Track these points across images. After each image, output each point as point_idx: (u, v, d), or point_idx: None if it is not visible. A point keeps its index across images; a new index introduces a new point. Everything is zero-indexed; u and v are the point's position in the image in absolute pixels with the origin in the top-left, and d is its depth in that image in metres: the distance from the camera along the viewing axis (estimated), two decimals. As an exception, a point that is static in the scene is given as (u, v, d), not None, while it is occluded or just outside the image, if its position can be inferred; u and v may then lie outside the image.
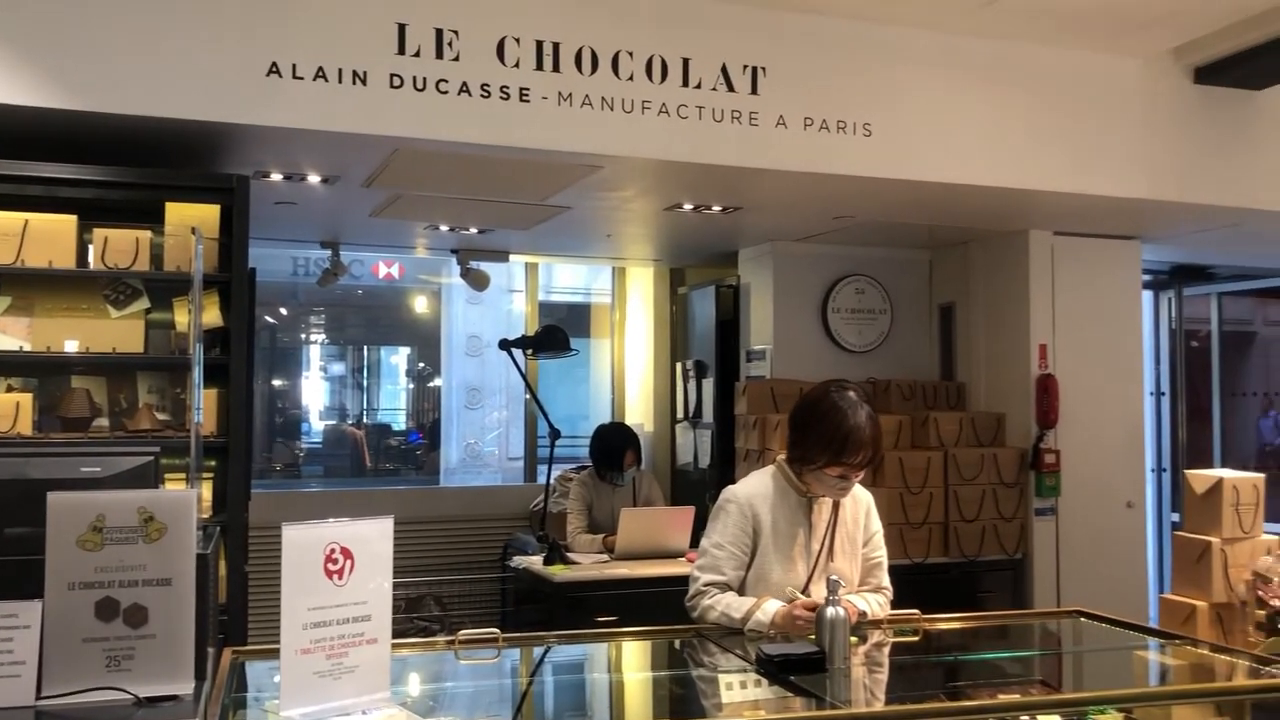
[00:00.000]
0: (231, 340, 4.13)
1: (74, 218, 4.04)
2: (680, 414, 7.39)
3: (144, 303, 4.18)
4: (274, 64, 3.90)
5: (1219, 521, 4.10)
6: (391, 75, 4.03)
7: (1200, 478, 4.26)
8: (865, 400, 2.99)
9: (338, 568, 2.04)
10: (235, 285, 4.12)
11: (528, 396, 7.03)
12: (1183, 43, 5.02)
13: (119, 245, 4.07)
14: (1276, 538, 4.17)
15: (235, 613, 4.03)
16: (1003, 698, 2.56)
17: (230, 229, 4.13)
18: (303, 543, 2.01)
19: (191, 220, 4.04)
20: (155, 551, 2.07)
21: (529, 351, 6.23)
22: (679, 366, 7.49)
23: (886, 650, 2.96)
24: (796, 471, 3.03)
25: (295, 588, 1.99)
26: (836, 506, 3.05)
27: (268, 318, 11.64)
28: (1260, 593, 3.73)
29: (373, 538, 2.10)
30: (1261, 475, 4.22)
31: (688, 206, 5.49)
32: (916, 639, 2.99)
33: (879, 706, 2.60)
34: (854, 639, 2.73)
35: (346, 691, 2.05)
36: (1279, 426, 8.43)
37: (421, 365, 12.97)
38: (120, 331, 4.15)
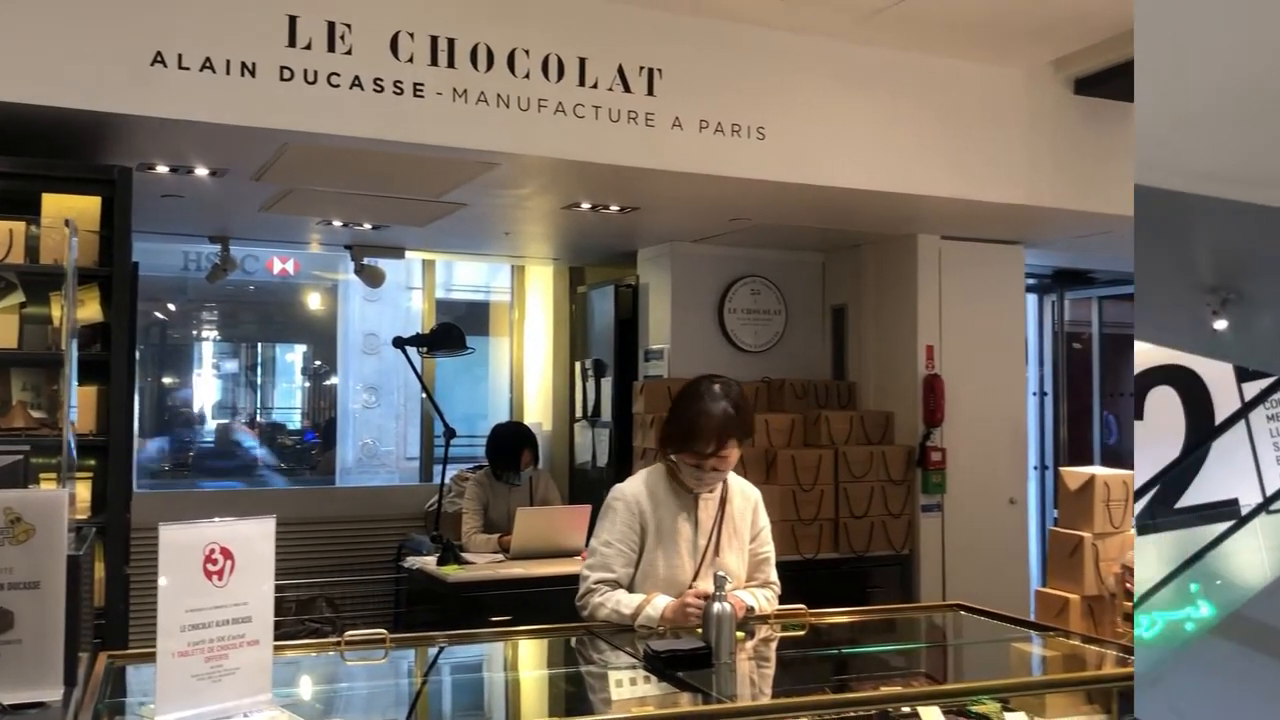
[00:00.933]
0: (112, 336, 4.01)
1: (-58, 208, 3.89)
2: (579, 413, 7.40)
3: (18, 297, 4.02)
4: (159, 53, 3.79)
5: (1091, 517, 4.26)
6: (282, 68, 3.96)
7: (1073, 475, 4.42)
8: (732, 395, 2.99)
9: (217, 568, 2.00)
10: (117, 279, 4.00)
11: (424, 395, 6.96)
12: (1063, 55, 5.20)
13: (-9, 237, 3.92)
14: (1145, 532, 4.34)
15: (116, 616, 3.91)
16: (885, 690, 2.63)
17: (112, 222, 4.01)
18: (181, 543, 1.97)
19: (70, 212, 3.90)
20: (23, 553, 2.01)
21: (424, 350, 6.17)
22: (578, 365, 7.49)
23: (773, 645, 3.01)
24: (671, 463, 3.06)
25: (173, 589, 1.95)
26: (724, 502, 3.09)
27: (157, 314, 11.31)
28: (1128, 585, 3.89)
29: (254, 537, 2.07)
30: (1131, 472, 4.39)
31: (585, 205, 5.50)
32: (803, 633, 3.04)
33: (764, 700, 2.64)
34: (740, 634, 2.77)
35: (226, 694, 2.01)
36: (1112, 427, 8.77)
37: (317, 363, 12.75)
38: (-9, 326, 3.99)
